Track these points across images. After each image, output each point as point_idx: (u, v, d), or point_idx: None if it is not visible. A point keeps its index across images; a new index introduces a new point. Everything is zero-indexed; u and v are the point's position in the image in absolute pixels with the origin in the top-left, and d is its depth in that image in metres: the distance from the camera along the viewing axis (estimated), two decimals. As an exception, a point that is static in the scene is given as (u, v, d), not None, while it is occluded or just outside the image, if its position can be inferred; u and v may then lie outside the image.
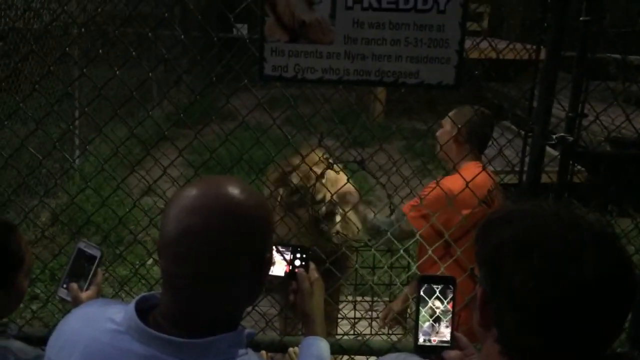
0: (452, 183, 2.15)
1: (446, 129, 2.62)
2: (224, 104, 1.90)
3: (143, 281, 2.73)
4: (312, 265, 1.39)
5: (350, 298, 2.78)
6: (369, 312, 2.41)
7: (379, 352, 1.64)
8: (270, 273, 1.18)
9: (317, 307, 1.35)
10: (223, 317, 1.02)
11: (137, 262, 3.38)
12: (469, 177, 1.89)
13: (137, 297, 1.04)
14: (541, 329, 0.81)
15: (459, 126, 2.37)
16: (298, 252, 1.38)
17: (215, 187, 1.01)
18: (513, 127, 5.60)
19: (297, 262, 1.38)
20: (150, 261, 3.22)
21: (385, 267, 2.18)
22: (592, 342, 0.83)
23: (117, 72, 1.86)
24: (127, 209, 4.08)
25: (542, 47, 2.24)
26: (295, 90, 1.92)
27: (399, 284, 2.29)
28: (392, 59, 1.55)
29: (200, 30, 7.86)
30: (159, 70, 6.96)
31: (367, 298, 2.79)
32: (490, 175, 2.17)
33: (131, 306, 1.02)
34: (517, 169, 2.83)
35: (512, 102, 6.41)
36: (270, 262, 1.09)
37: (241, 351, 1.01)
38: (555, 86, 1.77)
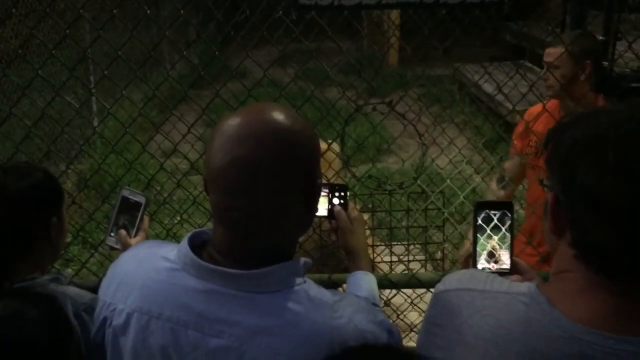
0: None
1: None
2: (237, 61, 1.86)
3: (173, 238, 2.76)
4: (351, 204, 1.39)
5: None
6: (405, 256, 2.43)
7: (430, 284, 1.65)
8: None
9: (361, 243, 1.36)
10: (277, 247, 1.01)
11: (167, 222, 3.42)
12: None
13: (188, 234, 1.04)
14: (620, 228, 0.79)
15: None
16: (336, 190, 1.38)
17: (261, 114, 0.98)
18: (534, 67, 5.48)
19: (336, 201, 1.38)
20: (178, 219, 3.27)
21: (420, 209, 2.18)
22: None
23: (133, 32, 1.82)
24: (151, 171, 4.12)
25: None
26: (305, 45, 1.87)
27: (434, 225, 2.30)
28: None
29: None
30: (169, 31, 6.88)
31: (404, 242, 2.80)
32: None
33: (184, 243, 1.02)
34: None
35: (533, 40, 6.24)
36: (320, 190, 1.07)
37: (299, 280, 1.00)
38: (585, 16, 1.72)
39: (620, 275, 0.83)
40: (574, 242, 0.86)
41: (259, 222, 0.97)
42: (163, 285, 1.01)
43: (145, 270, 1.04)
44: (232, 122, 0.97)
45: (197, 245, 1.03)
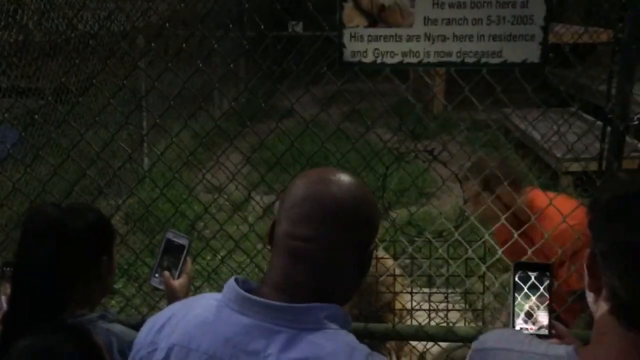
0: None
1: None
2: (283, 101, 1.93)
3: (214, 276, 2.79)
4: None
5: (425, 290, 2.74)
6: (444, 304, 2.39)
7: (466, 339, 1.62)
8: None
9: None
10: (327, 289, 1.04)
11: (209, 258, 3.49)
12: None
13: (233, 277, 1.08)
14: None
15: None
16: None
17: (341, 171, 1.10)
18: (584, 115, 5.38)
19: None
20: (218, 257, 3.32)
21: (461, 259, 2.16)
22: None
23: (185, 85, 1.90)
24: (196, 208, 4.21)
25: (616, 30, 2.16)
26: (350, 85, 1.93)
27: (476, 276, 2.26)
28: (474, 39, 1.54)
29: (255, 30, 7.95)
30: (219, 72, 7.12)
31: (442, 290, 2.74)
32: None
33: (231, 281, 1.07)
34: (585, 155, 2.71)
35: (581, 87, 6.16)
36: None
37: (333, 326, 1.01)
38: (635, 67, 1.71)
39: None
40: (608, 296, 0.86)
41: (314, 256, 1.02)
42: (207, 320, 1.04)
43: (192, 309, 1.09)
44: (316, 171, 1.09)
45: (243, 289, 1.06)
